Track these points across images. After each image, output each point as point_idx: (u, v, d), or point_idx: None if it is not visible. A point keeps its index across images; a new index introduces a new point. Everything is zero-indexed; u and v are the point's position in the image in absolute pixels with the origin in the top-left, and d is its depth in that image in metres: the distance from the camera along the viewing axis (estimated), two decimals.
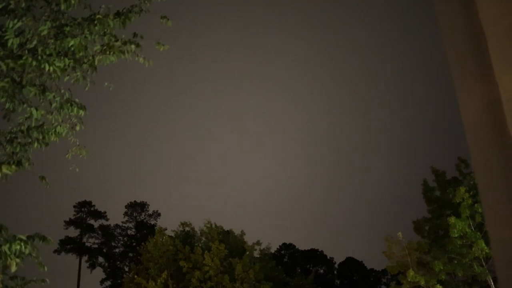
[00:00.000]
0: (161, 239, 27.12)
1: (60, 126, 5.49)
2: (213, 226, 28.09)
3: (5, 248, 4.54)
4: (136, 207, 55.11)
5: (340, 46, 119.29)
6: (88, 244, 51.06)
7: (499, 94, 1.18)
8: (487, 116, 1.21)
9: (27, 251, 4.67)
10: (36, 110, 5.27)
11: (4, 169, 4.95)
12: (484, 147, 1.22)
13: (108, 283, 50.18)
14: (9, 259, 4.52)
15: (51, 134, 5.41)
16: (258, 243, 28.96)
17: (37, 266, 4.96)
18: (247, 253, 26.89)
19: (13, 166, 5.05)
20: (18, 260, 4.60)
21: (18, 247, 4.60)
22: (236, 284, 25.21)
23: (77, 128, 5.62)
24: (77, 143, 5.76)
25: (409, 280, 19.86)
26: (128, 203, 55.15)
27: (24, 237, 4.70)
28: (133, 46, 5.27)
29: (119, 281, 47.56)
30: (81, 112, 5.47)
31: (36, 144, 5.42)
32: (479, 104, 1.23)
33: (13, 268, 4.56)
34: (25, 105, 5.19)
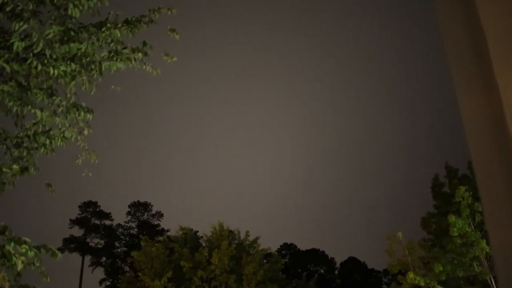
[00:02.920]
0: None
1: (68, 130, 5.49)
2: (225, 228, 27.87)
3: (9, 247, 4.54)
4: (139, 207, 55.14)
5: (341, 47, 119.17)
6: (92, 244, 51.11)
7: (499, 95, 1.17)
8: (487, 116, 1.20)
9: (31, 254, 4.67)
10: (42, 111, 5.28)
11: (5, 169, 4.94)
12: (484, 148, 1.21)
13: (107, 283, 50.20)
14: (14, 258, 4.52)
15: (58, 139, 5.41)
16: (266, 250, 28.71)
17: (40, 276, 4.96)
18: (254, 255, 26.78)
19: (15, 166, 5.04)
20: (23, 258, 4.60)
21: (24, 250, 4.59)
22: (243, 283, 25.14)
23: (85, 132, 5.61)
24: (86, 148, 5.75)
25: (408, 281, 19.85)
26: (131, 203, 55.19)
27: (28, 240, 4.69)
28: (140, 55, 5.27)
29: (120, 280, 47.60)
30: (89, 116, 5.47)
31: (42, 150, 5.42)
32: (479, 104, 1.22)
33: (19, 267, 4.56)
34: (29, 107, 5.19)
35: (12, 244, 4.56)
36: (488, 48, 1.20)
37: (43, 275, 4.94)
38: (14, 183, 5.47)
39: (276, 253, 30.60)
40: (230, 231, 27.84)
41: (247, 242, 27.74)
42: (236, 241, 27.13)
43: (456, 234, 18.63)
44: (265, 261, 28.24)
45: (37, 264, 4.79)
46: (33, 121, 5.35)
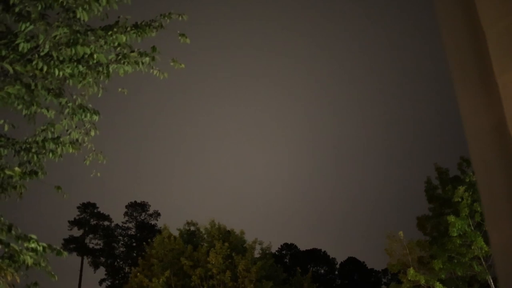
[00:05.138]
0: (167, 238, 27.13)
1: (74, 132, 5.50)
2: (217, 225, 28.15)
3: (15, 246, 4.56)
4: (136, 207, 55.11)
5: (341, 48, 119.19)
6: (91, 245, 51.10)
7: (499, 95, 1.17)
8: (487, 117, 1.20)
9: (40, 248, 4.68)
10: (48, 110, 5.29)
11: (8, 171, 4.94)
12: (484, 147, 1.21)
13: (107, 283, 50.20)
14: (22, 256, 4.53)
15: (68, 146, 5.42)
16: (259, 242, 28.98)
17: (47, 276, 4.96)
18: (249, 252, 26.90)
19: (16, 168, 5.06)
20: (32, 253, 4.61)
21: (33, 245, 4.60)
22: (238, 281, 25.26)
23: (92, 133, 5.60)
24: (93, 149, 5.75)
25: (409, 278, 19.86)
26: (128, 203, 55.15)
27: (35, 236, 4.72)
28: (147, 59, 5.25)
29: (120, 281, 47.60)
30: (95, 118, 5.47)
31: (51, 155, 5.42)
32: (479, 105, 1.22)
33: (30, 262, 4.57)
34: (35, 106, 5.19)
35: (20, 241, 4.58)
36: (488, 48, 1.19)
37: (51, 275, 4.95)
38: (26, 186, 5.49)
39: (268, 248, 30.41)
40: (219, 228, 27.92)
41: (237, 239, 27.81)
42: (229, 240, 27.18)
43: (455, 234, 18.64)
44: (257, 256, 28.24)
45: (44, 264, 4.80)
46: (42, 127, 5.36)
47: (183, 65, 5.56)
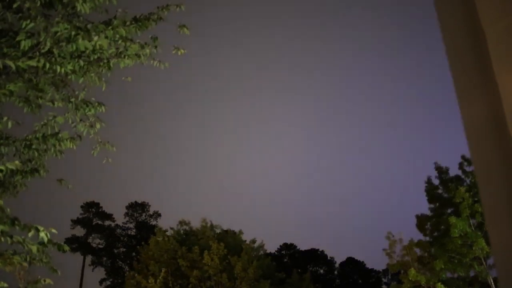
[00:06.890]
0: (162, 239, 27.23)
1: (79, 125, 5.52)
2: (209, 225, 28.23)
3: (19, 238, 4.57)
4: (136, 208, 55.18)
5: (342, 48, 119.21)
6: (93, 245, 51.21)
7: (499, 95, 1.17)
8: (487, 116, 1.21)
9: (46, 239, 4.68)
10: (54, 103, 5.30)
11: (9, 165, 4.94)
12: (485, 147, 1.21)
13: (107, 283, 50.28)
14: (26, 246, 4.53)
15: (67, 141, 5.42)
16: (253, 241, 29.08)
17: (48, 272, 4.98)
18: (244, 252, 26.87)
19: (16, 162, 5.06)
20: (35, 243, 4.62)
21: (42, 233, 4.60)
22: (236, 282, 25.26)
23: (98, 126, 5.62)
24: (100, 140, 5.76)
25: (410, 279, 19.87)
26: (128, 204, 55.24)
27: (41, 228, 4.72)
28: (148, 51, 5.28)
29: (119, 280, 47.65)
30: (100, 110, 5.49)
31: (52, 151, 5.43)
32: (479, 104, 1.23)
33: (34, 250, 4.57)
34: (40, 100, 5.19)
35: (25, 230, 4.58)
36: (488, 48, 1.20)
37: (53, 270, 4.95)
38: (26, 184, 5.50)
39: (262, 246, 30.39)
40: (212, 227, 27.96)
41: (234, 239, 27.84)
42: (228, 241, 27.18)
43: (457, 235, 18.66)
44: (254, 254, 28.24)
45: (46, 260, 4.80)
46: (42, 122, 5.36)
47: (185, 50, 5.58)
